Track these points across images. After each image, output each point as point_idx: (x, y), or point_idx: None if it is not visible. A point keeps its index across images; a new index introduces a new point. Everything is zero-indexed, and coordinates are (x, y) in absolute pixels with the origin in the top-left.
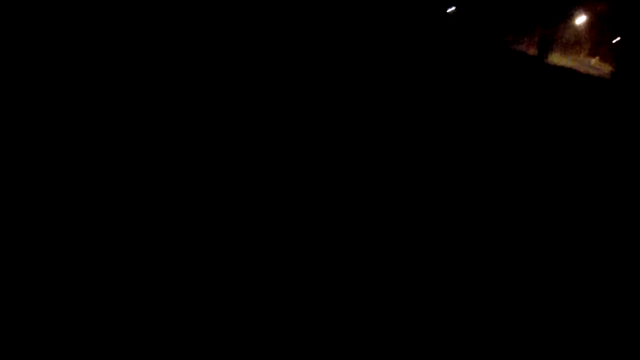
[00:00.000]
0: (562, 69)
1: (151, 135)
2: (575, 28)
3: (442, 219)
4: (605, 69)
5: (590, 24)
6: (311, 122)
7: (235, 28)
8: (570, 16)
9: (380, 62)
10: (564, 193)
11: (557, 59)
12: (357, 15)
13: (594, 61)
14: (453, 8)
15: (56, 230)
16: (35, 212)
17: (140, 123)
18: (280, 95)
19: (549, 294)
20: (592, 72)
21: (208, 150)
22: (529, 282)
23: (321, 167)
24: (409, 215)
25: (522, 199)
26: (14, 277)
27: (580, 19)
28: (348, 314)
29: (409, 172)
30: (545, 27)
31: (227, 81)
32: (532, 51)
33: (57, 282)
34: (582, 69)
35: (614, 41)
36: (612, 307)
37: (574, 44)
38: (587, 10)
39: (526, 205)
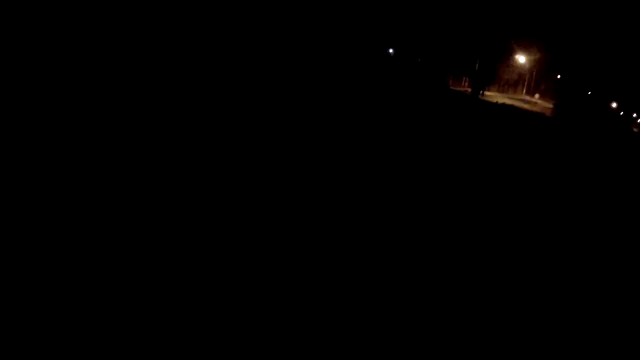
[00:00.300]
0: (499, 105)
1: (151, 135)
2: (515, 67)
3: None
4: (545, 105)
5: (530, 63)
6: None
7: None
8: (510, 56)
9: (326, 97)
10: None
11: (496, 97)
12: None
13: (536, 97)
14: (391, 50)
15: (56, 229)
16: (35, 211)
17: (140, 123)
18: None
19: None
20: (532, 108)
21: (208, 149)
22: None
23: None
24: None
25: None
26: (13, 277)
27: (521, 59)
28: (348, 314)
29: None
30: (482, 67)
31: (227, 81)
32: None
33: (57, 281)
34: (523, 105)
35: (557, 77)
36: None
37: (514, 83)
38: (525, 51)
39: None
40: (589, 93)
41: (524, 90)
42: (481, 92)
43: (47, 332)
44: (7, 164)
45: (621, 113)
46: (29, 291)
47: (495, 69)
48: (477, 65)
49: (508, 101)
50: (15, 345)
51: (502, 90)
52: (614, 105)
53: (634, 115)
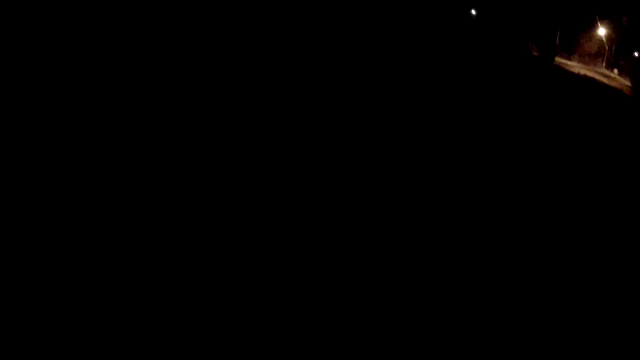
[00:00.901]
0: (580, 76)
1: (151, 135)
2: (596, 40)
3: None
4: (623, 81)
5: (611, 37)
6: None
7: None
8: (592, 28)
9: (407, 56)
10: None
11: (577, 67)
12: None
13: (615, 72)
14: (474, 11)
15: (57, 230)
16: (35, 212)
17: (140, 123)
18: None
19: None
20: (610, 83)
21: (208, 150)
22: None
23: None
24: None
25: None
26: (13, 277)
27: (602, 31)
28: (347, 314)
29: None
30: (556, 34)
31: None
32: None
33: (58, 281)
34: (602, 79)
35: (635, 54)
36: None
37: (594, 55)
38: (607, 23)
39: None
40: None
41: (604, 64)
42: (550, 58)
43: (47, 331)
44: (8, 165)
45: None
46: (30, 291)
47: (576, 39)
48: (558, 33)
49: (589, 73)
50: (16, 345)
51: (582, 61)
52: None
53: None
